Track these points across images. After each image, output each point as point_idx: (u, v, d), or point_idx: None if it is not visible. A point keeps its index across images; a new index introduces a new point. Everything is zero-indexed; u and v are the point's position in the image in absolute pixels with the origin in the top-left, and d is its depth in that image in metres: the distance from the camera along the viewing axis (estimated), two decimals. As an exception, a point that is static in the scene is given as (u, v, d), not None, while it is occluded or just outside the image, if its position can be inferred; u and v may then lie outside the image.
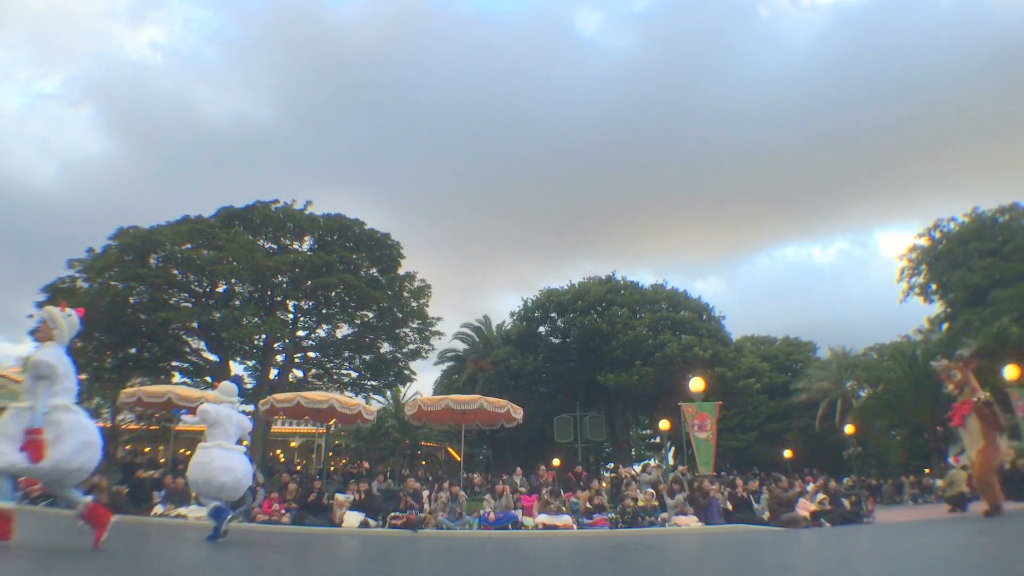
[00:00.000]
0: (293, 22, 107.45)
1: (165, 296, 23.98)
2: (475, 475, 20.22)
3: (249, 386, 28.09)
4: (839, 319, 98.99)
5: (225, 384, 7.64)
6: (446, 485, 14.32)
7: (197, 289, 25.76)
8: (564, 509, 13.31)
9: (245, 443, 7.94)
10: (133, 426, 31.33)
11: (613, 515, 13.58)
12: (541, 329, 36.19)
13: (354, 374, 30.05)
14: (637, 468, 23.02)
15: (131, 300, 23.66)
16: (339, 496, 13.31)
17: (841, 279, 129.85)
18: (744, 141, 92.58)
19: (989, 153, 79.76)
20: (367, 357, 29.52)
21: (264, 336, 25.55)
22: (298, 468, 27.55)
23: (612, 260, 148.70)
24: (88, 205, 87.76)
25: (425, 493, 14.19)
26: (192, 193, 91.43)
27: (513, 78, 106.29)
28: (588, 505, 13.85)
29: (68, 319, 5.21)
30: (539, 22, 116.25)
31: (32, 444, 4.52)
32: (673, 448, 40.42)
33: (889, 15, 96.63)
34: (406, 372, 30.24)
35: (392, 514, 12.64)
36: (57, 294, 23.50)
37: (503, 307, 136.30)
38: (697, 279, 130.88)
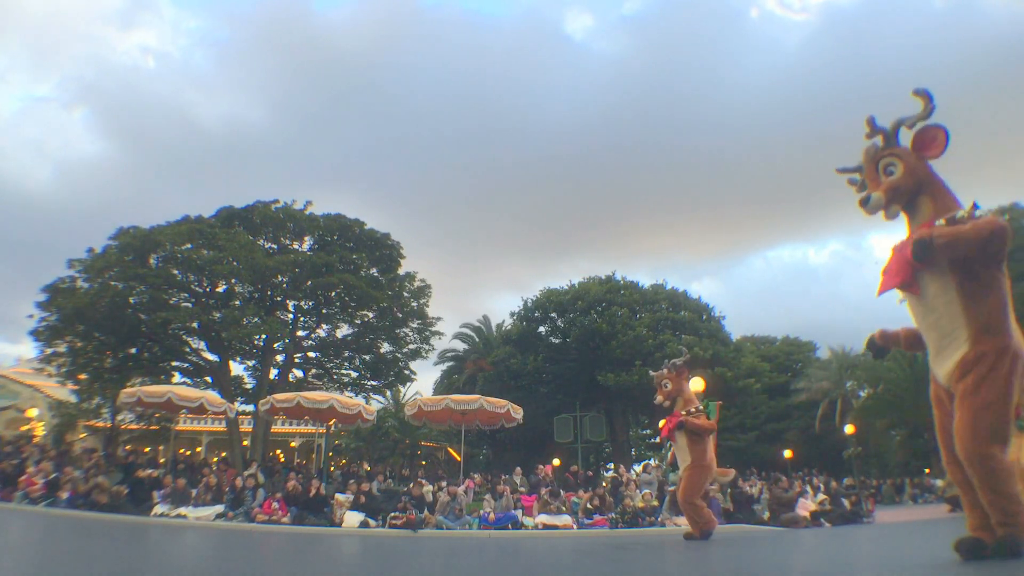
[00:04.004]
0: (282, 25, 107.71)
1: (165, 296, 23.94)
2: (475, 475, 20.21)
3: (249, 386, 28.08)
4: (835, 320, 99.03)
5: None
6: (443, 484, 14.33)
7: (197, 289, 25.74)
8: (564, 509, 13.32)
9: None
10: (133, 426, 31.34)
11: (613, 515, 13.60)
12: (541, 329, 36.18)
13: (354, 374, 30.02)
14: (638, 468, 23.01)
15: (131, 300, 23.60)
16: (339, 496, 13.31)
17: (836, 280, 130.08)
18: (736, 142, 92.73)
19: (983, 154, 79.54)
20: (367, 357, 29.48)
21: (264, 336, 25.52)
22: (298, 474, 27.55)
23: (607, 262, 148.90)
24: (83, 207, 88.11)
25: (428, 488, 14.24)
26: (188, 195, 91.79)
27: (504, 80, 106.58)
28: (588, 505, 13.86)
29: None
30: (528, 25, 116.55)
31: None
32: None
33: (881, 15, 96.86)
34: (406, 372, 30.20)
35: (392, 514, 12.65)
36: (57, 294, 23.49)
37: (501, 308, 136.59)
38: (692, 281, 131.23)
